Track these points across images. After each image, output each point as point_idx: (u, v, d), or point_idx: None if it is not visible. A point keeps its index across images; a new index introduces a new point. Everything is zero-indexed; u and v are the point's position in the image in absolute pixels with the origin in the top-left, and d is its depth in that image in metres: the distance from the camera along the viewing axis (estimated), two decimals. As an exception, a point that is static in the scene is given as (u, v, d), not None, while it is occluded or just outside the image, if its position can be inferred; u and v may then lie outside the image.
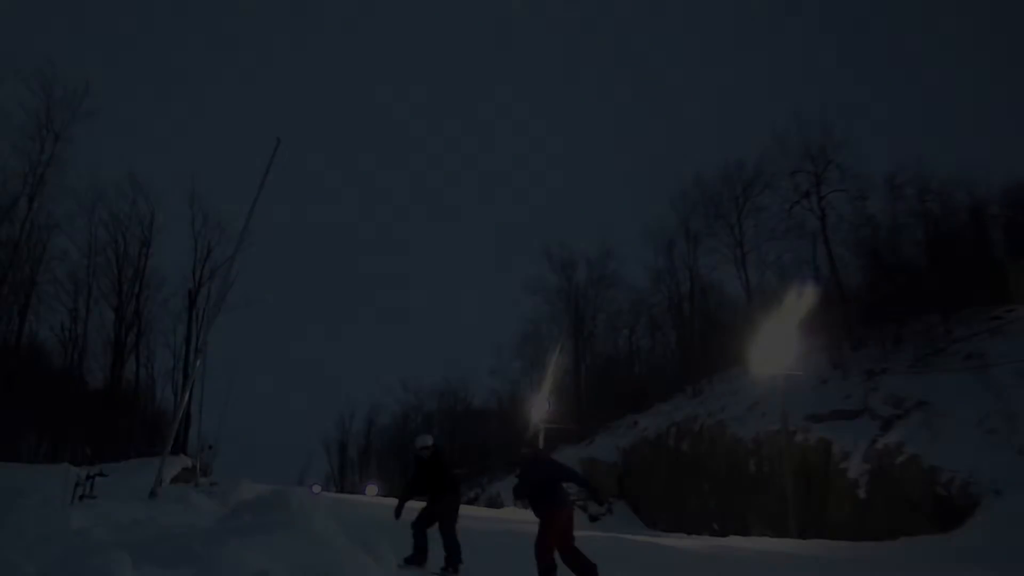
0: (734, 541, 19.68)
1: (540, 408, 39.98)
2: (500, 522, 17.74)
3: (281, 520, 5.36)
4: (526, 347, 53.27)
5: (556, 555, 7.31)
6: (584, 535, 7.25)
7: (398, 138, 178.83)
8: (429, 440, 8.84)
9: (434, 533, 8.38)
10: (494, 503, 39.85)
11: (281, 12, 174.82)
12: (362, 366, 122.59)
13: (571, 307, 49.64)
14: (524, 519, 6.68)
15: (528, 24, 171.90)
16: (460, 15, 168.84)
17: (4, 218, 27.98)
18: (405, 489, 9.01)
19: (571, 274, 50.08)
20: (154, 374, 38.60)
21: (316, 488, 44.13)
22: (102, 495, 14.00)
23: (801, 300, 27.08)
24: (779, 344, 25.35)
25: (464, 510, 8.77)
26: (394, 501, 9.22)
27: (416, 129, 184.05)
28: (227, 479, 20.54)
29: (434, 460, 8.73)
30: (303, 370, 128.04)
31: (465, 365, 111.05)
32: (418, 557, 8.29)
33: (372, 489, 56.98)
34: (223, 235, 35.41)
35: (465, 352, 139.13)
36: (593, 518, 34.95)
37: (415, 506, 8.50)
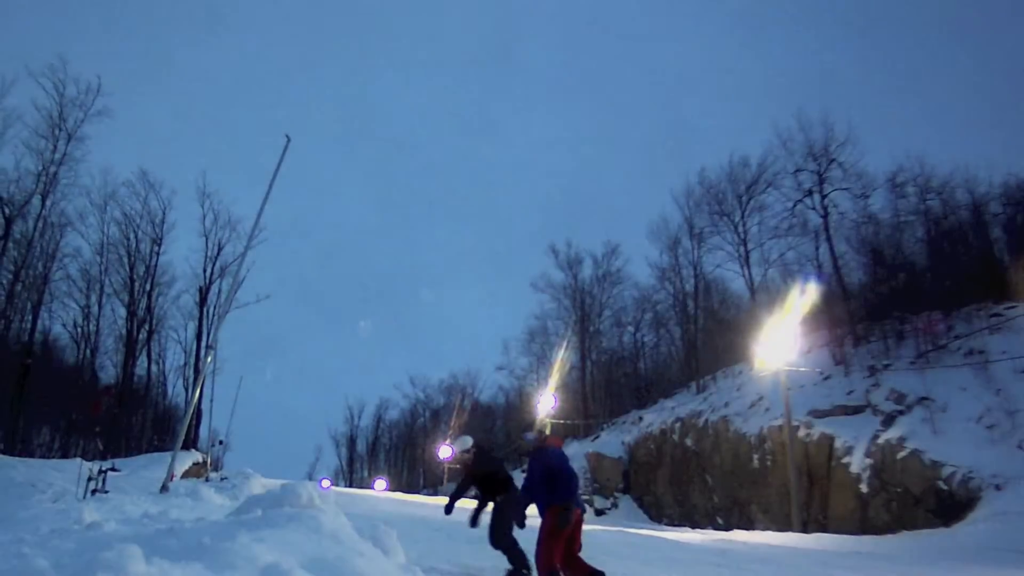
0: (738, 535, 19.74)
1: (546, 403, 40.24)
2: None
3: (291, 514, 5.50)
4: (533, 344, 53.72)
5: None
6: (588, 529, 7.01)
7: (405, 137, 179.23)
8: (469, 442, 7.80)
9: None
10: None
11: (287, 10, 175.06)
12: (371, 362, 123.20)
13: (577, 304, 49.97)
14: (531, 513, 6.43)
15: (534, 24, 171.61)
16: (463, 15, 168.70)
17: (18, 216, 28.27)
18: (453, 493, 8.05)
19: (577, 272, 50.61)
20: (165, 370, 39.21)
21: (325, 483, 44.39)
22: (114, 489, 14.35)
23: (804, 297, 27.26)
24: (782, 340, 25.49)
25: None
26: (400, 498, 9.08)
27: (423, 128, 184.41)
28: (237, 474, 20.81)
29: (480, 462, 7.74)
30: (313, 366, 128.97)
31: (472, 361, 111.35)
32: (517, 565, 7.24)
33: (381, 484, 57.37)
34: (233, 232, 35.87)
35: (472, 348, 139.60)
36: (599, 512, 35.21)
37: (475, 507, 7.75)
